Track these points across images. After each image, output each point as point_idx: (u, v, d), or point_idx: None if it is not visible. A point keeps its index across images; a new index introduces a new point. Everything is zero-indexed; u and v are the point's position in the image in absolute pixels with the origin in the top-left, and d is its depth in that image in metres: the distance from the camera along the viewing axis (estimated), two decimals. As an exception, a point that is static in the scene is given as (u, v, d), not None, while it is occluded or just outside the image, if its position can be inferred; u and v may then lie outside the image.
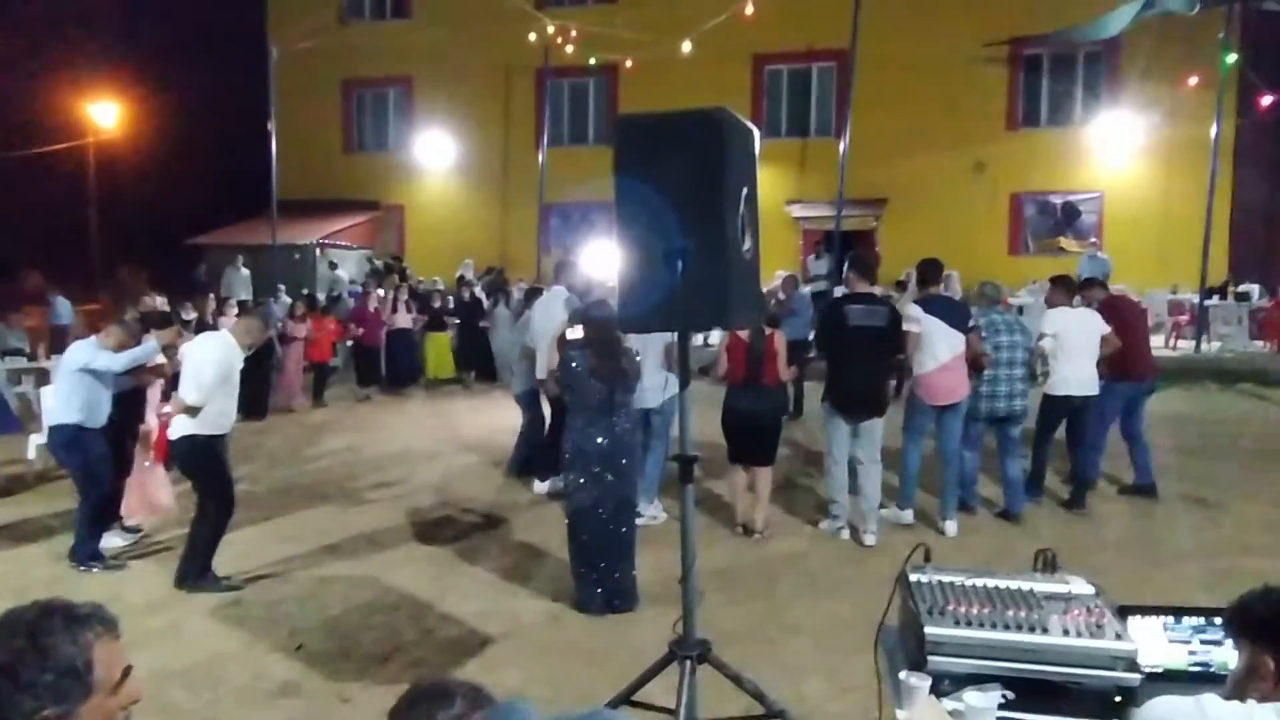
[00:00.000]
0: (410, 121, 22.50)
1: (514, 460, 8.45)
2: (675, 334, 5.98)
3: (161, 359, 6.42)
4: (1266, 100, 17.20)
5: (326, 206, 21.77)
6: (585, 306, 5.57)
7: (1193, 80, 17.21)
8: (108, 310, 20.50)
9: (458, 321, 14.47)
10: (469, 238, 21.15)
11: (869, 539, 6.37)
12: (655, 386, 6.33)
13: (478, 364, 14.40)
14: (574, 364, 5.25)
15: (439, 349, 14.38)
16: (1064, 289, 7.45)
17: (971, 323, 6.66)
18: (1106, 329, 7.08)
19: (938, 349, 6.44)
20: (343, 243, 21.52)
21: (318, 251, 20.50)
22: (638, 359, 5.57)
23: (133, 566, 6.07)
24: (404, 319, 13.92)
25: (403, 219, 22.81)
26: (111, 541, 6.34)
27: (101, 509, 6.13)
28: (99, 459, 6.07)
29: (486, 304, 14.65)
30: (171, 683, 4.37)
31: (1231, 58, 15.69)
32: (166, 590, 5.59)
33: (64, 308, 16.39)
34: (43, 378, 11.51)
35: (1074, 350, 7.03)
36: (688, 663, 3.25)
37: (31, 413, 10.86)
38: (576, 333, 5.80)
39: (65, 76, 23.35)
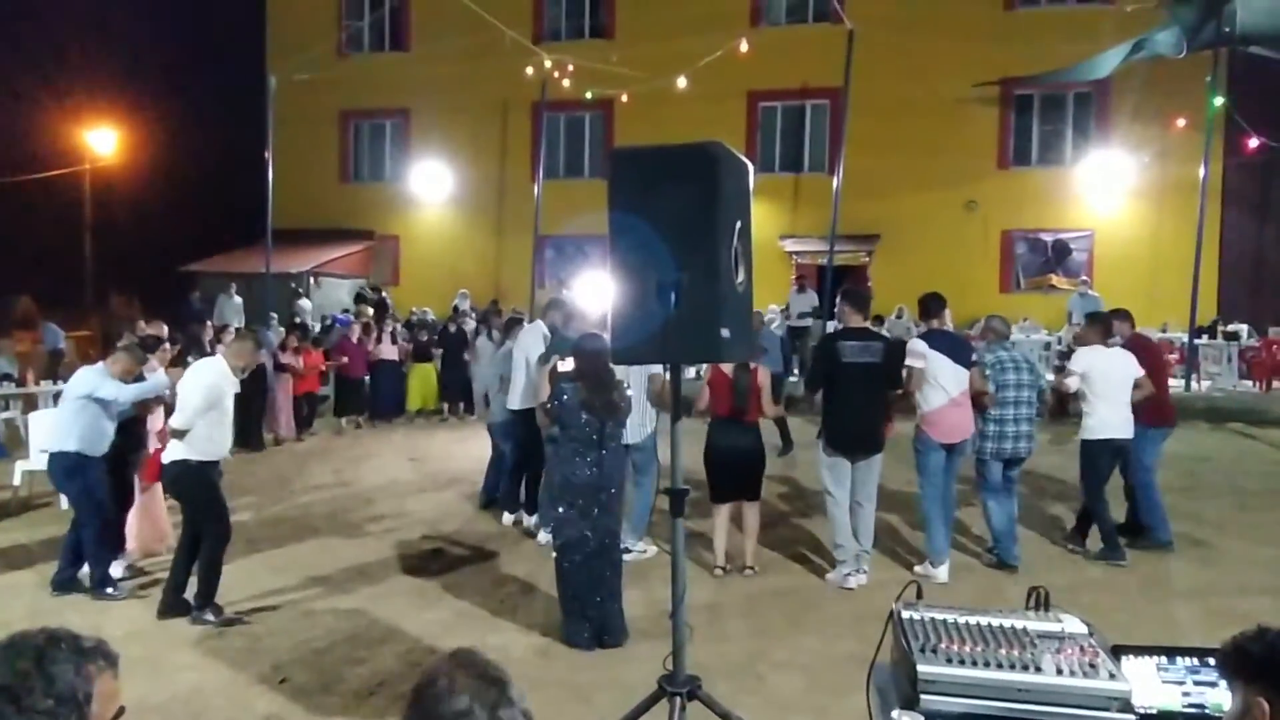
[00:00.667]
0: (407, 153, 22.64)
1: (483, 490, 8.50)
2: (659, 367, 6.10)
3: (167, 391, 6.36)
4: (1253, 142, 17.45)
5: (322, 236, 21.81)
6: (578, 339, 5.55)
7: (1181, 122, 17.47)
8: (97, 337, 20.44)
9: (440, 352, 14.33)
10: (464, 269, 21.20)
11: (850, 581, 6.21)
12: (635, 422, 6.26)
13: (463, 396, 14.31)
14: (565, 396, 5.21)
15: (424, 380, 14.23)
16: (1100, 327, 7.10)
17: (975, 358, 6.53)
18: (1140, 372, 6.77)
19: (945, 384, 6.28)
20: (337, 272, 21.55)
21: (311, 280, 20.52)
22: (629, 393, 5.54)
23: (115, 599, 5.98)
24: (389, 350, 13.75)
25: (398, 249, 22.87)
26: (114, 570, 6.22)
27: (105, 535, 6.04)
28: (98, 485, 6.00)
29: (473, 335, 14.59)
30: (151, 716, 4.29)
31: (1218, 100, 15.94)
32: (147, 621, 5.51)
33: (54, 333, 16.32)
34: (31, 403, 11.44)
35: (1109, 392, 6.71)
36: (677, 699, 3.21)
37: (19, 439, 10.78)
38: (568, 365, 5.79)
39: (64, 103, 23.49)
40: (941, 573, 6.35)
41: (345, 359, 13.31)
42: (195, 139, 24.02)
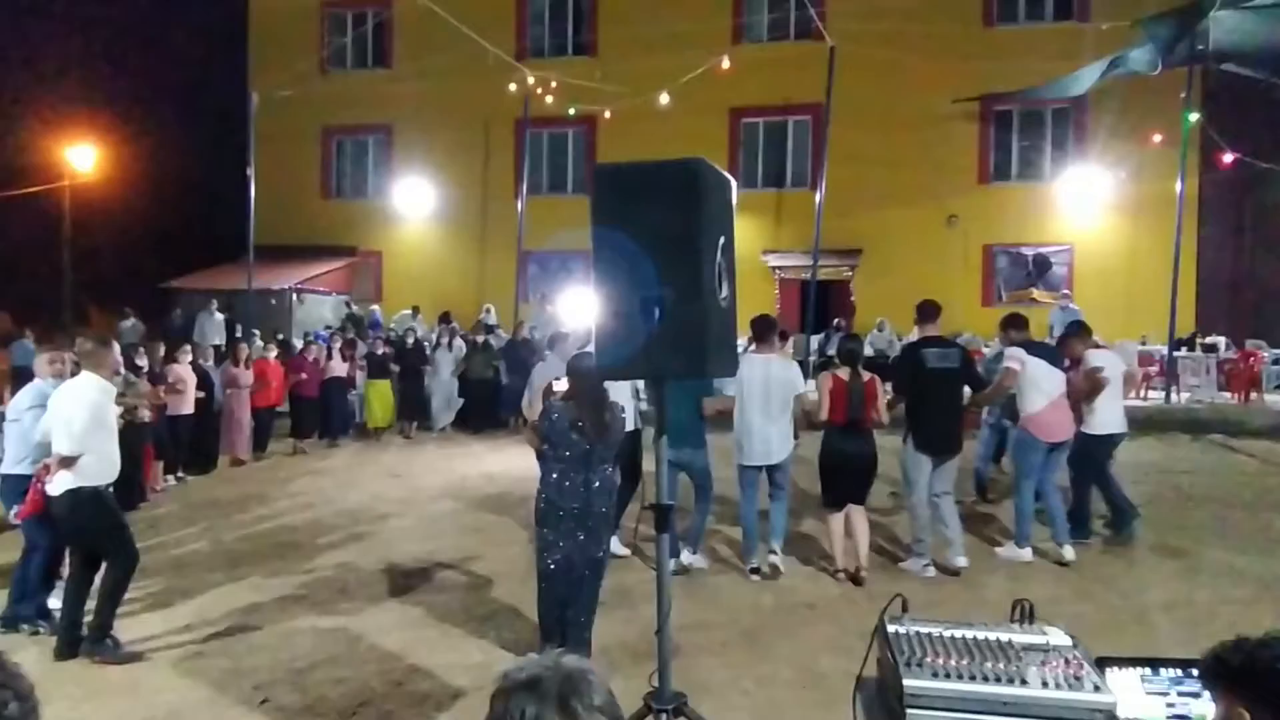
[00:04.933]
0: (389, 169, 22.63)
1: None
2: (807, 385, 6.51)
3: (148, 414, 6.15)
4: (1227, 158, 17.70)
5: (304, 252, 21.73)
6: (572, 357, 5.37)
7: (1157, 138, 17.72)
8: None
9: (397, 368, 14.00)
10: (447, 285, 21.17)
11: (960, 561, 6.61)
12: (785, 440, 6.51)
13: (419, 411, 14.09)
14: (555, 415, 5.04)
15: (381, 397, 13.76)
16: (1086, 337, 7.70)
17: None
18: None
19: (1047, 387, 6.86)
20: (320, 288, 21.47)
21: (294, 297, 20.43)
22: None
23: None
24: (339, 367, 13.25)
25: (380, 265, 22.82)
26: (54, 602, 5.83)
27: (52, 563, 5.70)
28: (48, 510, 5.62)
29: (435, 347, 14.41)
30: (129, 739, 4.23)
31: (1193, 116, 16.16)
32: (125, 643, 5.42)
33: (22, 349, 15.86)
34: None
35: (1114, 390, 7.32)
36: (663, 716, 3.19)
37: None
38: (563, 385, 5.77)
39: (43, 119, 23.34)
40: (1026, 553, 6.95)
41: (304, 376, 12.78)
42: (177, 155, 23.91)
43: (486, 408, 14.25)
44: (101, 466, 5.20)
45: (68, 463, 5.06)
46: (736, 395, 6.52)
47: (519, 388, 14.17)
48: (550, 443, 5.04)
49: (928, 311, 6.79)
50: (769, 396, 6.45)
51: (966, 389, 6.86)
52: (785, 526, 6.91)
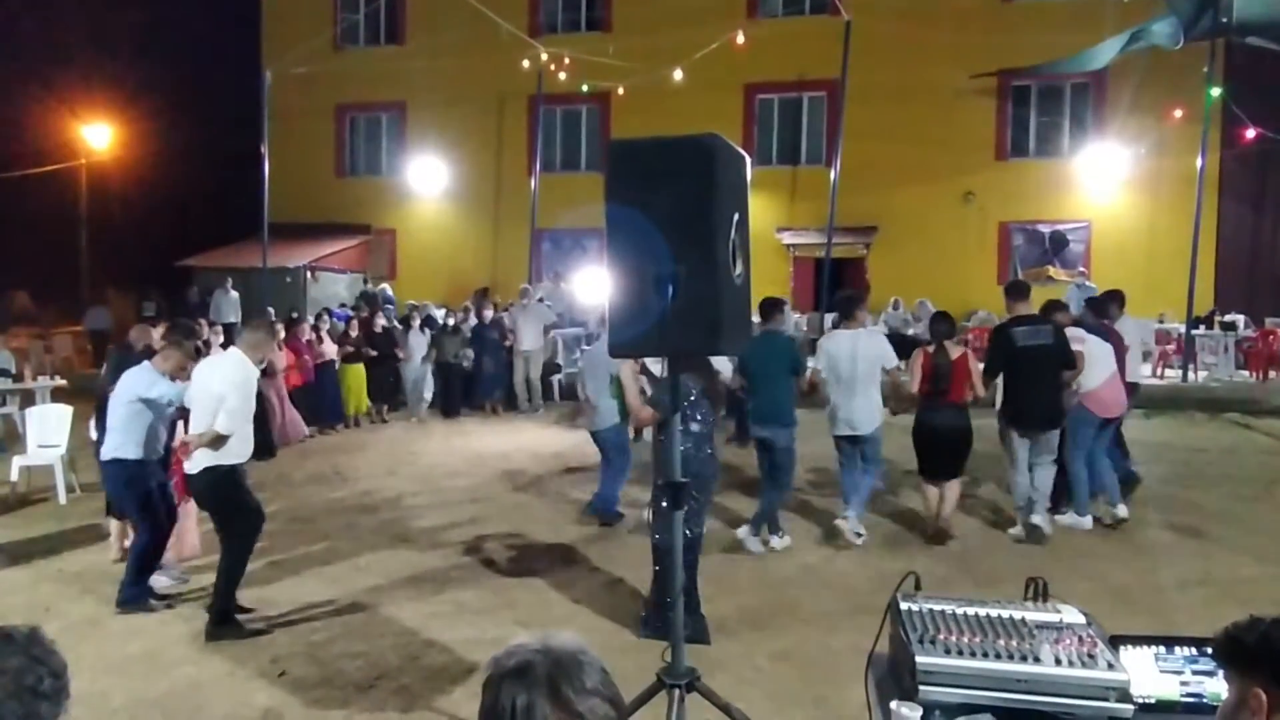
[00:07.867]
0: (403, 146, 22.60)
1: (604, 504, 7.62)
2: (895, 358, 6.78)
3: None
4: (1250, 133, 17.44)
5: (318, 230, 21.78)
6: None
7: (1177, 113, 17.47)
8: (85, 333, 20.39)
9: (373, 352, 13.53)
10: (461, 262, 21.21)
11: (1038, 520, 6.85)
12: (872, 412, 6.76)
13: (391, 395, 13.82)
14: (690, 390, 5.18)
15: (356, 381, 13.23)
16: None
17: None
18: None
19: (1104, 366, 7.10)
20: (335, 266, 21.53)
21: (308, 275, 20.50)
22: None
23: (112, 593, 5.95)
24: (331, 350, 12.81)
25: (394, 243, 22.85)
26: (158, 580, 5.92)
27: (159, 547, 5.74)
28: (160, 493, 5.72)
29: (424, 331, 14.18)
30: (150, 711, 4.31)
31: (1215, 91, 15.92)
32: (146, 617, 5.51)
33: (97, 315, 16.58)
34: (28, 399, 11.42)
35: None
36: (676, 691, 3.21)
37: (16, 434, 10.76)
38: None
39: (59, 98, 23.43)
40: (1086, 521, 7.21)
41: (308, 359, 12.35)
42: (191, 133, 23.98)
43: (459, 392, 13.99)
44: (240, 446, 5.28)
45: (219, 441, 5.12)
46: (825, 370, 6.80)
47: (492, 371, 14.10)
48: (686, 416, 5.19)
49: (1017, 291, 7.03)
50: (855, 370, 6.66)
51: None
52: (865, 497, 7.07)
